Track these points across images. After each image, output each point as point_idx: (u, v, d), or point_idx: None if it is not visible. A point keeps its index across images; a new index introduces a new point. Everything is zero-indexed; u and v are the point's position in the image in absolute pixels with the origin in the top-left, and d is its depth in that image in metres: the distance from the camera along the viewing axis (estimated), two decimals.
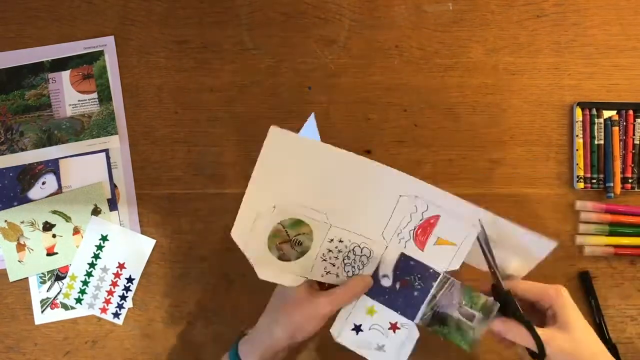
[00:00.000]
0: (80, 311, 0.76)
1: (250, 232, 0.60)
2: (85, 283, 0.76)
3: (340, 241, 0.62)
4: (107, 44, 0.78)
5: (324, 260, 0.63)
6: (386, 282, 0.63)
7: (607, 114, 0.77)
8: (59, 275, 0.77)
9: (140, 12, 0.78)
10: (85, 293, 0.76)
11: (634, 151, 0.76)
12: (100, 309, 0.76)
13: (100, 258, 0.76)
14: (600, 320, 0.75)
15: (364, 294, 0.63)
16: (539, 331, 0.57)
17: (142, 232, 0.77)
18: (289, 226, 0.61)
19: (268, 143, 0.56)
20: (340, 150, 0.58)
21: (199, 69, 0.78)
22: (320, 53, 0.78)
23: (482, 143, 0.77)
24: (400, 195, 0.60)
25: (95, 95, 0.77)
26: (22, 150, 0.76)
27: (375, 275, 0.63)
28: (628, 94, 0.77)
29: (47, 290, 0.76)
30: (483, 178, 0.77)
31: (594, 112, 0.77)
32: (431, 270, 0.62)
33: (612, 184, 0.76)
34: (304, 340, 0.61)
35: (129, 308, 0.76)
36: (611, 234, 0.76)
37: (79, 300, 0.76)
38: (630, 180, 0.76)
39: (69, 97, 0.77)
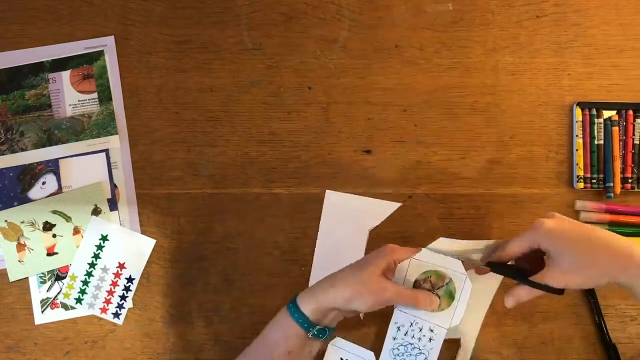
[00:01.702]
0: (80, 311, 0.76)
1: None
2: (85, 283, 0.76)
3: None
4: (107, 44, 0.78)
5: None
6: None
7: (606, 114, 0.77)
8: (59, 275, 0.77)
9: (140, 12, 0.78)
10: (86, 293, 0.76)
11: (633, 151, 0.76)
12: (100, 309, 0.76)
13: (100, 258, 0.76)
14: (600, 320, 0.75)
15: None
16: (539, 276, 0.59)
17: (142, 232, 0.77)
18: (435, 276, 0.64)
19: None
20: None
21: (199, 69, 0.78)
22: (320, 53, 0.78)
23: (482, 143, 0.77)
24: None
25: (95, 95, 0.77)
26: (23, 150, 0.76)
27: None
28: (628, 94, 0.77)
29: (47, 290, 0.76)
30: (483, 178, 0.77)
31: (594, 112, 0.76)
32: None
33: (612, 184, 0.75)
34: (353, 312, 0.64)
35: (129, 308, 0.76)
36: None
37: (79, 300, 0.76)
38: (630, 180, 0.76)
39: (69, 97, 0.77)
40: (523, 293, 0.60)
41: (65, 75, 0.77)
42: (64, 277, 0.76)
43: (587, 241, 0.58)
